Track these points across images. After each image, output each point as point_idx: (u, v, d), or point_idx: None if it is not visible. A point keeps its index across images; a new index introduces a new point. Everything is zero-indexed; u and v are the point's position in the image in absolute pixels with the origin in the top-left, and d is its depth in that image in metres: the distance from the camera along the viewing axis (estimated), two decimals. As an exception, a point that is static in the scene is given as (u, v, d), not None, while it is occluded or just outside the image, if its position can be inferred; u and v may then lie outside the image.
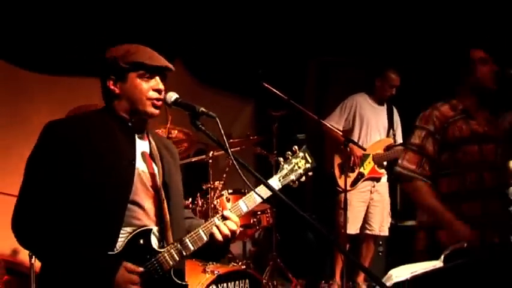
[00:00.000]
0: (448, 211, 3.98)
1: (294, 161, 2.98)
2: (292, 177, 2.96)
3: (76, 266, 2.58)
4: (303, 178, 3.02)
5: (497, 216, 4.08)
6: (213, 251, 2.87)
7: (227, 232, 2.75)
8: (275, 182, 2.91)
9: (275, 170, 2.97)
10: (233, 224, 2.78)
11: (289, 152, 3.00)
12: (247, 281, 4.99)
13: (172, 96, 2.77)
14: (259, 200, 2.86)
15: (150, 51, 2.78)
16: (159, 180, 2.84)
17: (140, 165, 2.79)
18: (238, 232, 2.84)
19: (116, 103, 2.79)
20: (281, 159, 2.98)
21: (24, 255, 5.24)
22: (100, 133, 2.73)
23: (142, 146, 2.87)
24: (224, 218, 2.79)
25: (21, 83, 6.08)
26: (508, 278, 3.98)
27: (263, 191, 2.82)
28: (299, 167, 2.98)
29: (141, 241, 2.68)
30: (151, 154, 2.89)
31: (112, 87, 2.75)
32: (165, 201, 2.83)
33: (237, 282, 4.92)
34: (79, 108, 4.84)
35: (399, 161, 4.24)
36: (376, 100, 6.94)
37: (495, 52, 4.23)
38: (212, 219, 2.80)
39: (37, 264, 4.85)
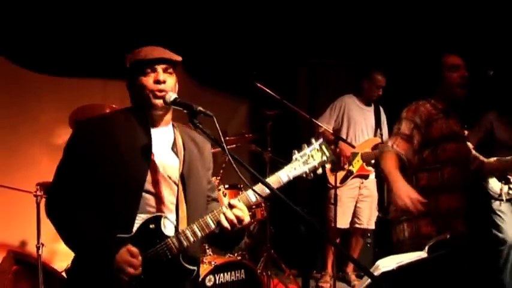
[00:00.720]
0: (399, 177, 4.07)
1: (308, 152, 2.93)
2: (305, 169, 2.92)
3: (84, 244, 2.74)
4: (319, 171, 2.96)
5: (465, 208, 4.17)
6: (225, 239, 2.92)
7: (232, 218, 2.76)
8: (284, 174, 2.89)
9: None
10: (239, 211, 2.79)
11: (305, 144, 2.96)
12: (242, 271, 5.01)
13: (171, 96, 2.81)
14: (267, 190, 2.81)
15: (150, 48, 2.87)
16: (178, 172, 2.90)
17: (160, 157, 2.88)
18: (246, 220, 2.83)
19: (133, 100, 2.95)
20: (295, 151, 2.93)
21: (32, 246, 5.27)
22: (121, 129, 2.87)
23: (163, 138, 2.96)
24: (231, 206, 2.80)
25: (29, 84, 6.11)
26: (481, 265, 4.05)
27: (259, 188, 2.81)
28: (314, 159, 2.93)
29: (152, 226, 2.75)
30: (174, 146, 2.96)
31: (128, 88, 2.93)
32: (182, 191, 2.89)
33: (233, 272, 4.94)
34: (83, 109, 4.86)
35: (389, 144, 4.27)
36: (363, 101, 6.98)
37: (472, 56, 4.27)
38: (220, 208, 2.82)
39: (44, 255, 4.90)
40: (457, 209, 4.15)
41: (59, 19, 6.02)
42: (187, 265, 2.79)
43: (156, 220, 2.76)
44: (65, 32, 6.08)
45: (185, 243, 2.75)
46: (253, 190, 2.81)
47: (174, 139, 2.99)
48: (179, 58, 2.91)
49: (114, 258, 2.61)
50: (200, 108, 2.72)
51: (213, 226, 2.79)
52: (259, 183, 2.75)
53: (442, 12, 7.36)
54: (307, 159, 2.91)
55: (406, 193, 3.98)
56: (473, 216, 4.17)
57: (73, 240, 2.78)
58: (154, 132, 2.92)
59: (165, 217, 2.80)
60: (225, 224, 2.76)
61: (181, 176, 2.91)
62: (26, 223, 5.13)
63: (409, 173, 4.27)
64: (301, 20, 7.86)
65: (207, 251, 5.18)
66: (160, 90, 2.81)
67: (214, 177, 5.51)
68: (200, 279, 4.69)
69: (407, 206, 3.93)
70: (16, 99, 6.04)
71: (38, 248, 4.95)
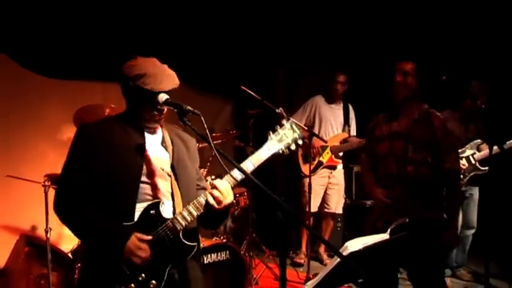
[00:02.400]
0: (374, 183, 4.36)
1: (281, 132, 2.97)
2: (281, 146, 2.97)
3: (96, 236, 2.76)
4: (293, 146, 3.01)
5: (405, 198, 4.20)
6: (212, 218, 2.95)
7: (218, 194, 2.79)
8: (264, 151, 2.93)
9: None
10: (223, 184, 2.82)
11: (278, 126, 2.99)
12: (227, 252, 5.01)
13: (163, 97, 2.81)
14: (253, 167, 2.91)
15: (157, 76, 2.82)
16: (169, 164, 2.94)
17: (153, 152, 2.91)
18: (228, 195, 2.85)
19: (129, 109, 2.95)
20: (270, 132, 2.97)
21: (41, 230, 5.24)
22: (118, 131, 2.90)
23: (153, 138, 2.98)
24: (214, 186, 2.82)
25: (36, 86, 6.09)
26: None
27: (237, 173, 2.86)
28: (287, 137, 2.98)
29: (152, 212, 2.80)
30: (163, 142, 3.00)
31: (127, 95, 2.92)
32: (174, 180, 2.92)
33: (219, 253, 4.94)
34: (85, 109, 4.84)
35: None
36: (331, 100, 7.08)
37: (436, 59, 4.30)
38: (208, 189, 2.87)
39: (52, 238, 4.91)
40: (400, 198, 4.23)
41: (64, 29, 6.01)
42: (187, 242, 2.83)
43: (155, 206, 2.81)
44: (69, 40, 6.06)
45: (183, 223, 2.80)
46: (231, 175, 2.87)
47: (163, 136, 3.02)
48: (178, 83, 2.91)
49: (125, 245, 2.67)
50: (189, 107, 2.76)
51: (204, 204, 2.83)
52: (235, 169, 2.82)
53: (403, 27, 7.45)
54: (281, 138, 2.95)
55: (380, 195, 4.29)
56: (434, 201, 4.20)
57: (84, 233, 2.83)
58: (146, 132, 2.96)
59: (163, 203, 2.83)
60: (211, 201, 2.80)
61: (172, 167, 2.94)
62: (35, 210, 5.12)
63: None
64: (280, 29, 7.89)
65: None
66: (160, 117, 2.91)
67: (202, 169, 5.51)
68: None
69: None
70: (25, 101, 6.01)
71: (46, 232, 4.96)
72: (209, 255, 4.87)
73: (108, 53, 5.83)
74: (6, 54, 5.84)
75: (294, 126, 2.99)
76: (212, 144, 2.66)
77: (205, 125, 2.65)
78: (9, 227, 5.87)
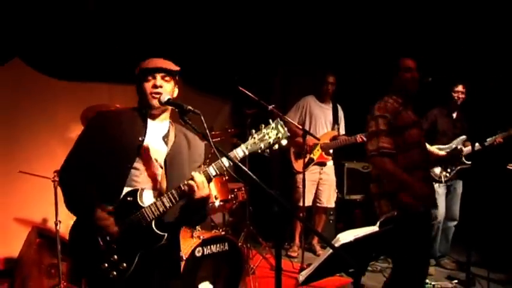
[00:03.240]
0: (410, 177, 4.08)
1: (264, 131, 2.83)
2: (261, 145, 2.82)
3: (80, 211, 2.88)
4: (275, 146, 2.85)
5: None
6: (189, 210, 2.90)
7: (192, 183, 2.76)
8: (240, 150, 2.82)
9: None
10: (199, 177, 2.78)
11: (263, 124, 2.88)
12: (226, 243, 5.00)
13: (165, 97, 2.86)
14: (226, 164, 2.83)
15: (154, 60, 2.96)
16: (163, 156, 2.96)
17: (152, 142, 2.94)
18: (204, 187, 2.79)
19: (139, 100, 3.00)
20: (253, 130, 2.86)
21: (51, 223, 5.31)
22: (124, 121, 2.97)
23: (157, 129, 3.02)
24: (192, 177, 2.79)
25: (47, 88, 6.14)
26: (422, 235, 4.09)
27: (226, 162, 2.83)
28: (269, 137, 2.82)
29: (129, 198, 2.82)
30: (165, 137, 3.02)
31: (137, 90, 2.98)
32: (164, 172, 2.94)
33: (218, 244, 4.93)
34: (91, 108, 4.83)
35: (377, 144, 4.17)
36: (322, 100, 7.09)
37: (421, 61, 4.30)
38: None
39: (61, 230, 4.93)
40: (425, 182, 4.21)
41: (73, 35, 6.07)
42: (158, 231, 2.82)
43: (134, 193, 2.83)
44: (77, 44, 6.10)
45: (155, 213, 2.80)
46: (213, 166, 2.86)
47: (168, 132, 3.04)
48: (176, 68, 3.00)
49: (94, 212, 2.78)
50: (190, 107, 2.78)
51: (177, 198, 2.81)
52: (218, 161, 2.82)
53: (391, 33, 7.49)
54: (263, 137, 2.83)
55: (425, 189, 4.12)
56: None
57: (73, 203, 2.89)
58: (151, 124, 3.00)
59: (142, 190, 2.85)
60: (185, 187, 2.78)
61: (165, 160, 2.96)
62: (46, 204, 5.13)
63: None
64: (276, 33, 7.94)
65: (197, 227, 5.17)
66: (156, 93, 2.89)
67: (203, 165, 5.49)
68: (191, 251, 4.72)
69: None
70: (37, 101, 6.06)
71: (56, 224, 4.99)
72: (209, 247, 4.86)
73: (112, 54, 5.86)
74: (20, 59, 5.90)
75: (279, 126, 2.84)
76: (211, 142, 2.66)
77: (204, 124, 2.65)
78: (22, 219, 5.93)
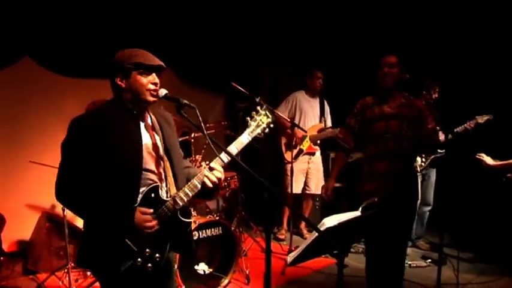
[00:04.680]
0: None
1: (258, 118, 2.88)
2: (258, 130, 2.88)
3: (102, 217, 2.63)
4: (267, 130, 2.91)
5: (398, 172, 4.17)
6: (207, 192, 2.85)
7: (214, 179, 2.76)
8: (245, 136, 2.85)
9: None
10: (218, 173, 2.78)
11: (254, 112, 2.91)
12: (220, 228, 4.95)
13: (162, 92, 2.73)
14: (236, 150, 2.83)
15: (148, 54, 2.73)
16: (161, 148, 2.82)
17: (145, 139, 2.76)
18: (223, 178, 2.83)
19: (123, 95, 2.73)
20: (248, 118, 2.90)
21: (59, 209, 5.25)
22: (112, 121, 2.69)
23: (145, 124, 2.83)
24: (211, 169, 2.78)
25: (56, 84, 6.09)
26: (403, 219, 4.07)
27: (224, 156, 2.81)
28: (262, 122, 2.88)
29: (152, 195, 2.71)
30: (153, 128, 2.84)
31: (119, 82, 2.71)
32: (167, 163, 2.82)
33: (212, 229, 4.88)
34: (94, 103, 4.76)
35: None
36: (310, 94, 7.04)
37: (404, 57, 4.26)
38: (203, 171, 2.79)
39: (68, 215, 4.90)
40: (385, 173, 4.17)
41: (79, 35, 6.05)
42: (184, 219, 2.79)
43: (155, 190, 2.72)
44: (83, 44, 6.08)
45: (181, 203, 2.73)
46: (220, 158, 2.80)
47: (152, 122, 2.87)
48: (165, 66, 2.80)
49: (133, 221, 2.60)
50: (186, 101, 2.69)
51: (199, 187, 2.76)
52: (223, 152, 2.76)
53: (373, 32, 7.49)
54: (258, 123, 2.87)
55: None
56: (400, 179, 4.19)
57: (89, 215, 2.70)
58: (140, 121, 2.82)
59: (160, 186, 2.75)
60: (209, 184, 2.75)
61: (165, 150, 2.84)
62: (54, 191, 5.08)
63: (353, 149, 4.45)
64: (267, 32, 7.92)
65: (193, 212, 5.13)
66: (155, 90, 2.71)
67: (198, 155, 5.47)
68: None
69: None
70: (46, 97, 6.03)
71: (63, 210, 4.95)
72: (204, 231, 4.81)
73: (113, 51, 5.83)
74: (30, 57, 5.86)
75: (267, 112, 2.91)
76: (206, 134, 2.60)
77: (199, 117, 2.60)
78: (32, 205, 5.92)
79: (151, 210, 2.68)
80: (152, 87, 2.70)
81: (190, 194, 2.76)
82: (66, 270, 5.05)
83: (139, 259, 2.66)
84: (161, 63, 2.73)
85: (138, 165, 2.68)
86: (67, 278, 5.02)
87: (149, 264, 2.69)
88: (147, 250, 2.68)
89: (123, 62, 2.68)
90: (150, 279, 2.76)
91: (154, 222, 2.67)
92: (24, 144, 5.84)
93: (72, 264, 5.06)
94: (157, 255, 2.71)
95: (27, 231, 5.79)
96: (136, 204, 2.65)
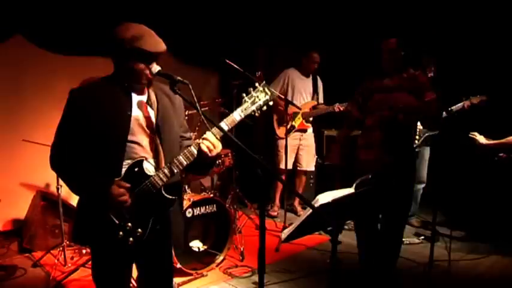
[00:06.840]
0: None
1: (254, 94, 2.77)
2: (253, 108, 2.75)
3: (84, 186, 2.68)
4: (264, 108, 2.80)
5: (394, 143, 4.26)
6: (202, 165, 2.81)
7: (209, 144, 2.66)
8: (237, 113, 2.74)
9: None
10: (213, 137, 2.68)
11: (251, 88, 2.80)
12: (214, 205, 4.96)
13: (156, 68, 2.66)
14: (227, 127, 2.72)
15: (152, 38, 2.64)
16: (154, 122, 2.77)
17: (136, 112, 2.72)
18: (218, 147, 2.71)
19: (121, 73, 2.71)
20: (244, 94, 2.79)
21: (53, 187, 5.30)
22: (105, 94, 2.68)
23: (139, 98, 2.77)
24: (205, 138, 2.69)
25: (49, 62, 6.03)
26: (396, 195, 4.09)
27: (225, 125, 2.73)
28: (259, 99, 2.76)
29: (136, 169, 2.68)
30: (148, 102, 2.78)
31: (118, 61, 2.71)
32: (157, 138, 2.76)
33: (207, 206, 4.89)
34: (87, 80, 4.73)
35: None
36: (303, 73, 7.02)
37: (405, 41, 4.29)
38: (198, 140, 2.72)
39: (62, 194, 4.96)
40: (381, 143, 4.24)
41: (70, 13, 5.97)
42: (168, 196, 2.74)
43: (139, 164, 2.69)
44: (75, 22, 6.00)
45: (164, 179, 2.69)
46: (212, 132, 2.69)
47: (148, 94, 2.81)
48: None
49: (109, 191, 2.59)
50: (179, 78, 2.64)
51: (195, 152, 2.68)
52: (214, 128, 2.68)
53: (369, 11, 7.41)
54: (254, 100, 2.76)
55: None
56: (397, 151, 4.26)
57: (74, 184, 2.71)
58: (134, 96, 2.77)
59: (146, 160, 2.72)
60: (204, 148, 2.65)
61: (157, 125, 2.77)
62: (48, 169, 5.01)
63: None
64: (260, 8, 7.86)
65: (187, 190, 5.14)
66: (151, 73, 2.67)
67: (192, 133, 5.45)
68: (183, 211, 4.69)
69: None
70: (38, 74, 5.98)
71: (57, 189, 4.99)
72: (198, 208, 4.83)
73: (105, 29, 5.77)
74: (21, 35, 5.80)
75: (266, 89, 2.78)
76: (200, 111, 2.58)
77: (193, 94, 2.54)
78: (26, 184, 5.92)
79: (128, 185, 2.64)
80: (149, 74, 2.67)
81: (185, 162, 2.69)
82: (61, 248, 5.08)
83: (120, 232, 2.66)
84: (164, 48, 2.65)
85: (123, 137, 2.65)
86: (62, 256, 5.06)
87: (130, 239, 2.68)
88: (129, 224, 2.67)
89: (125, 43, 2.61)
90: (145, 247, 2.77)
91: (126, 196, 2.62)
92: (16, 123, 5.81)
93: (67, 242, 5.10)
94: (139, 230, 2.69)
95: (22, 210, 5.79)
96: (120, 178, 2.64)
